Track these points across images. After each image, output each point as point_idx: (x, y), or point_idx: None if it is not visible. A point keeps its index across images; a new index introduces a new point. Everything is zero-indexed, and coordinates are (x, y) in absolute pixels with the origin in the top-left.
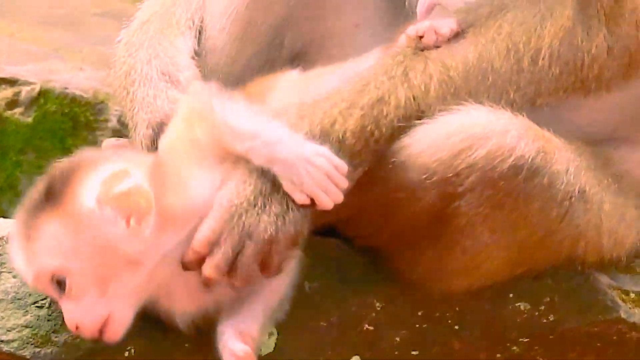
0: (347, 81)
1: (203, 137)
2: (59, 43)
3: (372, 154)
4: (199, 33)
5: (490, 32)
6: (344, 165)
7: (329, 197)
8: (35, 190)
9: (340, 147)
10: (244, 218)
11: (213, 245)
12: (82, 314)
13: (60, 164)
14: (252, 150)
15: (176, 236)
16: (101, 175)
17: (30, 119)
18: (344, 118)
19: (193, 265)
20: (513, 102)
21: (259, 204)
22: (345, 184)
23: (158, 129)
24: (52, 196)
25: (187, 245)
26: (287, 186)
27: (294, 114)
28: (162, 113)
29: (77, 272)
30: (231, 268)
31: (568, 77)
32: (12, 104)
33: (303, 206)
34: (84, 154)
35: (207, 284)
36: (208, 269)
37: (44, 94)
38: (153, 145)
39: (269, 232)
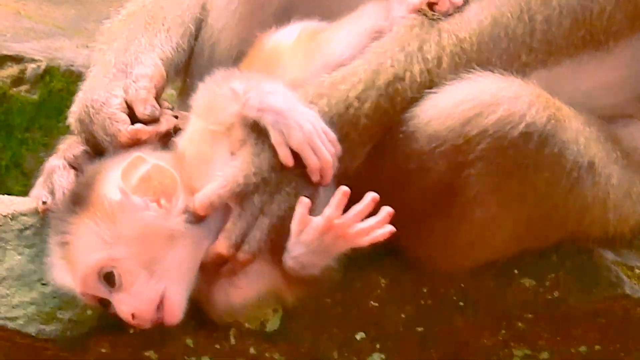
0: (363, 56)
1: (214, 121)
2: (65, 20)
3: (383, 129)
4: (200, 22)
5: None
6: (331, 133)
7: (318, 157)
8: (60, 203)
9: (354, 128)
10: (256, 194)
11: (214, 208)
12: (137, 300)
13: (80, 176)
14: (246, 103)
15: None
16: (119, 169)
17: (35, 97)
18: (360, 101)
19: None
20: (525, 65)
21: (272, 181)
22: (332, 149)
23: (84, 111)
24: (79, 202)
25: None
26: (275, 138)
27: (312, 91)
28: (94, 97)
29: (124, 259)
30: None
31: (578, 30)
32: (18, 81)
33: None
34: (100, 162)
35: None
36: (223, 248)
37: (49, 71)
38: (78, 125)
39: (283, 209)
